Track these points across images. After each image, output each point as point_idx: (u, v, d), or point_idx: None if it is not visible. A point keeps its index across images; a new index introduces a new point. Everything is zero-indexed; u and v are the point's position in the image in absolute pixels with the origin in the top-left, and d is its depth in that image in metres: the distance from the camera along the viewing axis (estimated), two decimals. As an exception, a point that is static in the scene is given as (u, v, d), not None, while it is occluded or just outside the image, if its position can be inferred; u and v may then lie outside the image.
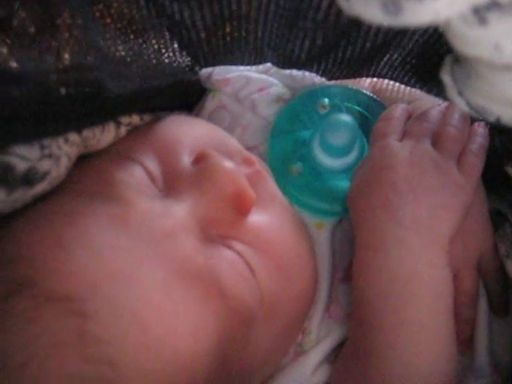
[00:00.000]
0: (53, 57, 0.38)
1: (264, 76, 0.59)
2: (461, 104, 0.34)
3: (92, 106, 0.42)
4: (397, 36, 0.48)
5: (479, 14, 0.25)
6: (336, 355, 0.49)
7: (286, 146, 0.56)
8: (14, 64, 0.35)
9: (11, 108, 0.36)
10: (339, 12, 0.44)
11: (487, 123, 0.51)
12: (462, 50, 0.28)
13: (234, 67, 0.60)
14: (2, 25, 0.36)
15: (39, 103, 0.37)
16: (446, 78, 0.34)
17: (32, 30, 0.37)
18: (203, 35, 0.51)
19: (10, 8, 0.37)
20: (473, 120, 0.51)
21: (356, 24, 0.47)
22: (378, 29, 0.47)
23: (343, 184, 0.54)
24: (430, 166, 0.47)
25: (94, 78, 0.40)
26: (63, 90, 0.39)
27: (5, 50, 0.36)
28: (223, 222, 0.45)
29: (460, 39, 0.27)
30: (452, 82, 0.34)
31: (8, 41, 0.36)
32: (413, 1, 0.24)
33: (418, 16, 0.25)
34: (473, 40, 0.27)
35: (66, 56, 0.38)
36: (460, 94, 0.34)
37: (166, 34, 0.51)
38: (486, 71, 0.30)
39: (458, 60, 0.33)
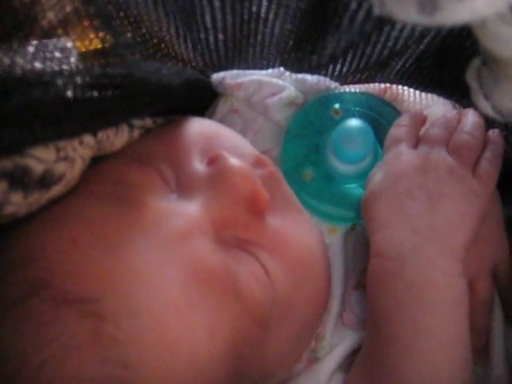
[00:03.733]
0: (73, 57, 0.37)
1: (277, 80, 0.59)
2: (486, 108, 0.34)
3: (109, 108, 0.41)
4: (416, 41, 0.48)
5: (518, 13, 0.25)
6: (350, 363, 0.49)
7: (299, 150, 0.56)
8: (33, 66, 0.35)
9: (30, 110, 0.35)
10: (366, 17, 0.44)
11: (502, 130, 0.51)
12: (495, 51, 0.28)
13: (246, 71, 0.59)
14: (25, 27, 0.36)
15: (57, 105, 0.37)
16: (471, 81, 0.34)
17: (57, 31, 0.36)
18: (220, 37, 0.50)
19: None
20: (487, 127, 0.51)
21: (377, 28, 0.46)
22: (399, 34, 0.47)
23: (356, 190, 0.54)
24: (445, 174, 0.47)
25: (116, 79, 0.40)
26: (80, 92, 0.39)
27: (26, 53, 0.35)
28: (237, 224, 0.45)
29: (494, 39, 0.27)
30: (478, 86, 0.33)
31: (30, 43, 0.36)
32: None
33: (456, 15, 0.24)
34: (509, 39, 0.26)
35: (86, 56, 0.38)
36: (486, 97, 0.33)
37: (181, 36, 0.51)
38: (517, 73, 0.30)
39: (486, 63, 0.33)
